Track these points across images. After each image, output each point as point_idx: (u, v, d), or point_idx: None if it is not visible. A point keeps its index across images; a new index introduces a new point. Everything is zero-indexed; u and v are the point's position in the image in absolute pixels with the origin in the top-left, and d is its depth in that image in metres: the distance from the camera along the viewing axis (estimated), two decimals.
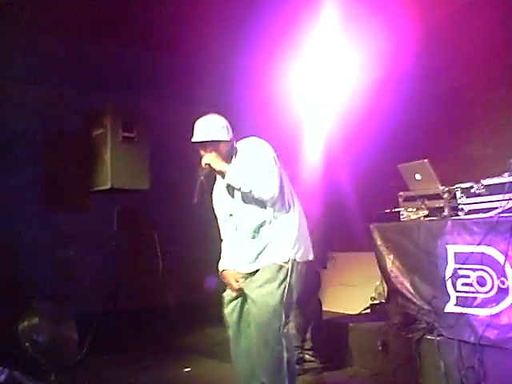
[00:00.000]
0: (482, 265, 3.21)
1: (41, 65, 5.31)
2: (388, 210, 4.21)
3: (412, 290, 3.79)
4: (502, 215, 3.16)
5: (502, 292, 3.10)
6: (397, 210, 4.11)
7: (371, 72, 5.34)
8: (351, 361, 4.22)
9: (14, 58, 4.97)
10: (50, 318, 4.36)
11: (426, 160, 3.82)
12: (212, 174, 3.00)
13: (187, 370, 4.24)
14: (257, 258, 2.89)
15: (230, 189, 2.97)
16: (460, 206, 3.61)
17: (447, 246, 3.44)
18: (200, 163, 2.91)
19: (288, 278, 2.80)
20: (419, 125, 6.05)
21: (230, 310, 3.00)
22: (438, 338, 3.44)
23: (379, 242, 4.09)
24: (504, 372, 3.05)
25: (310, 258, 2.99)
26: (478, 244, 3.21)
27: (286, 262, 2.81)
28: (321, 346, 4.25)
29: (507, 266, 3.07)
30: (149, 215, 6.08)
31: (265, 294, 2.78)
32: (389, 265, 4.02)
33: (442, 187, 3.73)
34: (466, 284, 3.31)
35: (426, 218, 3.84)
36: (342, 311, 5.10)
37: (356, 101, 5.75)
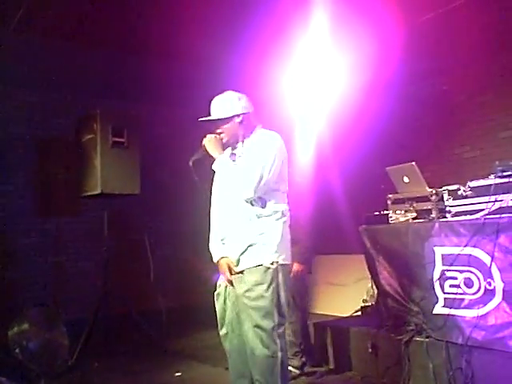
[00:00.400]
0: (468, 266, 3.23)
1: (30, 70, 5.30)
2: (377, 213, 4.23)
3: (401, 292, 3.81)
4: (487, 217, 3.19)
5: (489, 293, 3.12)
6: (385, 212, 4.14)
7: (360, 76, 5.38)
8: (341, 363, 4.23)
9: (3, 63, 4.96)
10: (40, 323, 4.35)
11: (413, 163, 3.85)
12: (208, 161, 2.99)
13: (177, 374, 4.24)
14: (239, 258, 2.87)
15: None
16: (447, 208, 3.64)
17: (435, 248, 3.46)
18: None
19: (276, 279, 2.80)
20: (409, 128, 6.11)
21: (220, 308, 2.98)
22: (427, 340, 3.46)
23: (368, 245, 4.11)
24: (491, 373, 3.07)
25: (289, 262, 2.97)
26: (465, 246, 3.23)
27: (272, 264, 2.81)
28: (310, 349, 4.26)
29: (493, 267, 3.10)
30: (139, 219, 6.08)
31: (255, 297, 2.78)
32: (378, 267, 4.04)
33: (430, 189, 3.76)
34: (454, 285, 3.33)
35: (415, 221, 3.86)
36: (332, 313, 5.11)
37: (346, 104, 5.79)
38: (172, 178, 6.13)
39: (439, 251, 3.44)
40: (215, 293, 3.04)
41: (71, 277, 5.87)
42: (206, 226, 3.16)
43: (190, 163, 2.94)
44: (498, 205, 3.20)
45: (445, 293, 3.40)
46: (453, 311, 3.32)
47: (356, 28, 4.67)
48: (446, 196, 3.66)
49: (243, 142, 2.99)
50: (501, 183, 3.24)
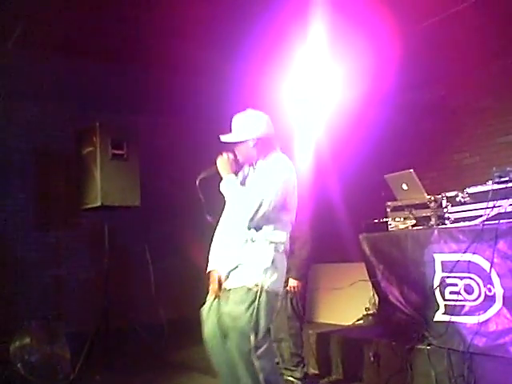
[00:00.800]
0: (468, 273, 3.23)
1: (30, 83, 5.34)
2: (376, 220, 4.24)
3: (402, 300, 3.81)
4: (486, 223, 3.20)
5: (489, 299, 3.13)
6: (385, 219, 4.14)
7: (358, 84, 5.41)
8: (344, 372, 4.22)
9: (2, 77, 5.00)
10: (41, 337, 4.34)
11: (411, 170, 3.86)
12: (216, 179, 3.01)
13: None
14: (228, 275, 2.87)
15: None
16: (446, 215, 3.65)
17: (434, 255, 3.47)
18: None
19: (256, 302, 2.76)
20: (407, 134, 6.12)
21: (209, 325, 2.93)
22: (428, 347, 3.45)
23: (368, 253, 4.11)
24: (493, 379, 3.06)
25: (280, 291, 2.92)
26: (464, 252, 3.23)
27: (256, 285, 2.77)
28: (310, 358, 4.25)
29: (493, 273, 3.10)
30: (140, 232, 6.08)
31: (234, 317, 2.76)
32: (378, 275, 4.04)
33: (429, 196, 3.77)
34: (454, 292, 3.33)
35: (414, 228, 3.86)
36: (334, 322, 5.10)
37: (344, 112, 5.81)
38: (172, 190, 6.14)
39: (439, 258, 3.44)
40: (201, 310, 2.99)
41: (72, 290, 5.86)
42: (207, 237, 3.17)
43: (197, 182, 2.95)
44: (496, 211, 3.21)
45: (445, 300, 3.40)
46: (454, 318, 3.31)
47: (353, 38, 4.72)
48: (444, 203, 3.67)
49: (256, 163, 2.99)
50: (499, 189, 3.25)
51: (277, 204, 2.82)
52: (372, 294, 4.63)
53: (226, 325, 2.81)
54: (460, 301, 3.29)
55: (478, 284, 3.19)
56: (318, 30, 4.64)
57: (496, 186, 3.26)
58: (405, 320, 3.75)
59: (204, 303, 3.02)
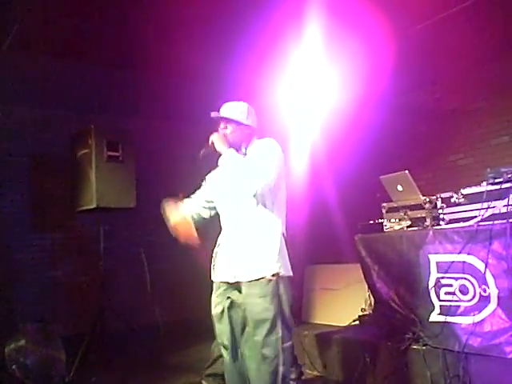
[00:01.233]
0: (463, 273, 3.25)
1: (24, 86, 5.33)
2: (372, 222, 4.25)
3: (397, 301, 3.82)
4: (480, 224, 3.22)
5: (484, 300, 3.14)
6: (380, 221, 4.16)
7: (353, 86, 5.43)
8: (339, 373, 4.22)
9: None
10: (37, 339, 4.32)
11: (406, 171, 3.88)
12: (213, 157, 3.04)
13: None
14: (237, 268, 2.87)
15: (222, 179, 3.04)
16: (441, 216, 3.67)
17: (429, 256, 3.48)
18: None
19: (278, 291, 2.80)
20: (402, 136, 6.14)
21: (222, 327, 2.95)
22: (424, 348, 3.46)
23: (364, 254, 4.13)
24: (489, 379, 3.07)
25: (291, 273, 2.98)
26: (459, 253, 3.25)
27: (273, 276, 2.81)
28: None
29: (488, 273, 3.12)
30: (136, 233, 6.08)
31: (260, 310, 2.76)
32: (374, 276, 4.05)
33: (423, 197, 3.79)
34: (449, 293, 3.35)
35: (409, 229, 3.88)
36: (330, 323, 5.10)
37: (340, 114, 5.82)
38: (168, 191, 6.13)
39: (434, 259, 3.45)
40: (214, 313, 3.00)
41: (68, 292, 5.84)
42: (204, 238, 3.17)
43: (200, 156, 2.99)
44: (490, 211, 3.23)
45: (440, 300, 3.41)
46: (449, 318, 3.33)
47: (348, 40, 4.74)
48: (439, 204, 3.69)
49: (246, 149, 3.06)
50: (493, 190, 3.27)
51: (277, 173, 2.88)
52: (367, 294, 4.64)
53: (252, 321, 2.79)
54: (455, 301, 3.30)
55: (473, 284, 3.20)
56: (313, 33, 4.66)
57: (490, 187, 3.28)
58: (400, 320, 3.76)
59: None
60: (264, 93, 5.72)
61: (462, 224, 3.45)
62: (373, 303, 4.46)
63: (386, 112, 6.13)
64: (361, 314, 4.91)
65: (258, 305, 2.77)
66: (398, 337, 3.69)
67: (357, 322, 4.89)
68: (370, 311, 4.76)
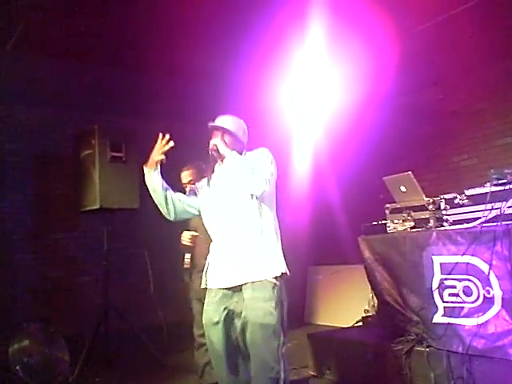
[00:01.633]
0: (467, 275, 3.23)
1: (26, 86, 5.34)
2: (375, 223, 4.24)
3: (401, 302, 3.80)
4: (484, 225, 3.20)
5: (488, 301, 3.13)
6: (383, 222, 4.14)
7: (356, 86, 5.43)
8: (342, 374, 4.21)
9: (0, 81, 5.00)
10: (40, 339, 4.33)
11: (409, 172, 3.86)
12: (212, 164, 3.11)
13: None
14: (238, 271, 2.83)
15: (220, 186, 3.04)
16: (445, 217, 3.65)
17: (433, 257, 3.46)
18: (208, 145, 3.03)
19: (280, 295, 2.78)
20: (406, 137, 6.14)
21: (215, 337, 2.88)
22: (427, 349, 3.43)
23: (367, 255, 4.11)
24: (492, 381, 3.05)
25: (289, 273, 2.96)
26: (463, 254, 3.23)
27: (277, 278, 2.79)
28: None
29: (491, 275, 3.10)
30: (139, 234, 6.07)
31: (263, 314, 2.73)
32: (378, 277, 4.03)
33: (427, 199, 3.77)
34: (453, 294, 3.33)
35: (412, 230, 3.87)
36: (334, 324, 5.10)
37: (343, 115, 5.83)
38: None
39: (437, 260, 3.44)
40: (208, 322, 2.92)
41: (71, 292, 5.86)
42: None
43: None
44: (494, 213, 3.21)
45: (444, 302, 3.40)
46: (452, 320, 3.31)
47: (351, 41, 4.74)
48: (443, 205, 3.68)
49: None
50: (497, 191, 3.25)
51: (274, 178, 2.95)
52: (371, 296, 4.64)
53: (253, 325, 2.75)
54: (459, 303, 3.29)
55: (477, 286, 3.19)
56: (317, 33, 4.66)
57: (494, 188, 3.27)
58: (404, 322, 3.74)
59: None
60: (267, 93, 5.73)
61: (465, 225, 3.43)
62: (376, 304, 4.45)
63: (389, 113, 6.13)
64: (364, 315, 4.92)
65: (262, 309, 2.74)
66: (401, 338, 3.68)
67: (360, 324, 4.89)
68: (374, 312, 4.76)
